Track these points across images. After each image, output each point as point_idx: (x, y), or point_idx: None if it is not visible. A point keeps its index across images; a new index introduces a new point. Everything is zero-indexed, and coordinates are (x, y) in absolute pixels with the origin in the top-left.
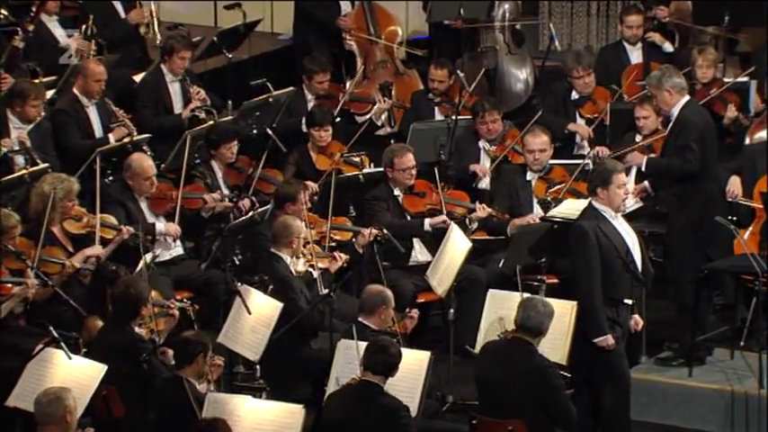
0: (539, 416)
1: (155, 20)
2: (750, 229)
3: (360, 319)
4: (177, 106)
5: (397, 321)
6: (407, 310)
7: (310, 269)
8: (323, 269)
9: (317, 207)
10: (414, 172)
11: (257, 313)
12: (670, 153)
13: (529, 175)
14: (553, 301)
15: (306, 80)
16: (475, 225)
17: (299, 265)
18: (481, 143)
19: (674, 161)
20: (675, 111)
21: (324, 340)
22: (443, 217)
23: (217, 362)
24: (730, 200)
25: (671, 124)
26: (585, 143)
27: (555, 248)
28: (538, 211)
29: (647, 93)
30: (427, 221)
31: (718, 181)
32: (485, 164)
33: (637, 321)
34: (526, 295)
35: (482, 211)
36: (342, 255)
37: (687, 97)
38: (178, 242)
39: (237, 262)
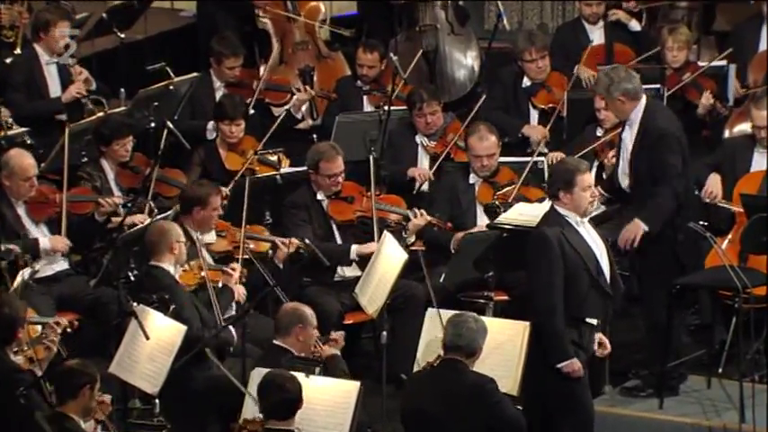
0: None
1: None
2: (729, 236)
3: (276, 341)
4: (54, 92)
5: (319, 345)
6: (330, 333)
7: (199, 286)
8: (221, 285)
9: (227, 213)
10: (341, 179)
11: (156, 338)
12: (642, 169)
13: (472, 178)
14: (503, 322)
15: (214, 65)
16: (412, 238)
17: (186, 282)
18: (418, 138)
19: (666, 201)
20: (636, 116)
21: (236, 368)
22: (374, 247)
23: (102, 400)
24: (707, 201)
25: (635, 131)
26: (542, 147)
27: (504, 260)
28: (482, 219)
29: None
30: (354, 250)
31: (690, 183)
32: (423, 162)
33: (603, 343)
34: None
35: (420, 218)
36: (235, 266)
37: (644, 99)
38: (62, 256)
39: (132, 278)
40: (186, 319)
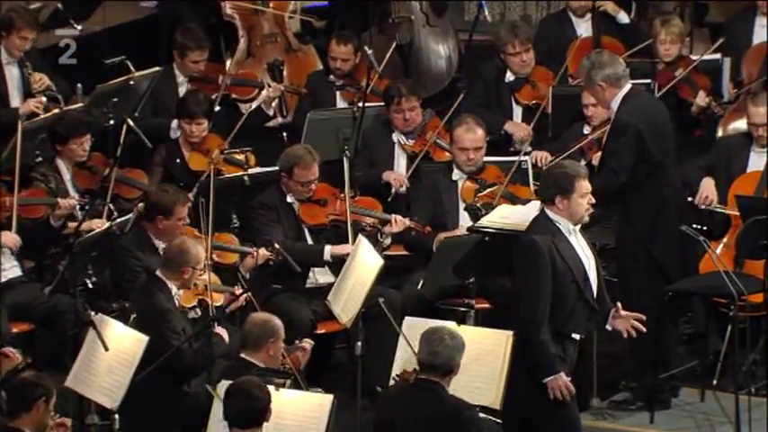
0: None
1: None
2: (724, 241)
3: (243, 355)
4: (14, 95)
5: (286, 355)
6: (298, 340)
7: (199, 304)
8: (217, 306)
9: (191, 217)
10: (314, 186)
11: (116, 349)
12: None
13: (455, 175)
14: (484, 331)
15: (177, 58)
16: (388, 240)
17: (186, 300)
18: (395, 136)
19: (596, 180)
20: (615, 104)
21: (200, 381)
22: (349, 248)
23: (63, 422)
24: (702, 207)
25: (610, 123)
26: (526, 146)
27: (486, 266)
28: (465, 219)
29: None
30: (328, 250)
31: (675, 184)
32: (400, 162)
33: (631, 318)
34: (433, 324)
35: (397, 224)
36: (241, 291)
37: (627, 87)
38: (15, 261)
39: (91, 285)
40: (178, 350)
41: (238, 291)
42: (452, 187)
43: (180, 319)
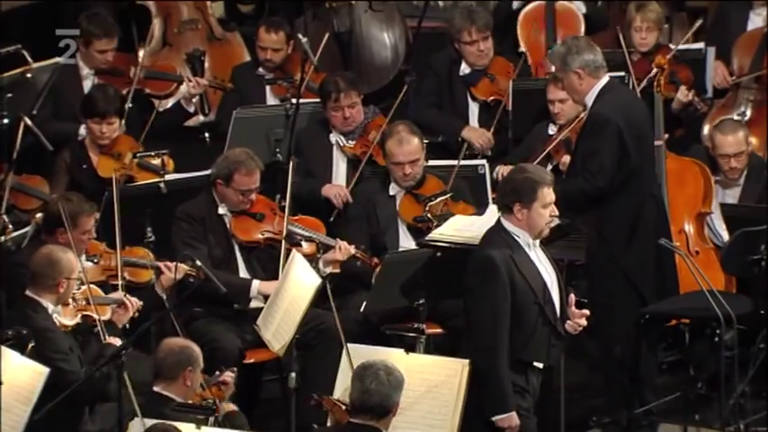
0: None
1: None
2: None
3: (156, 388)
4: None
5: (206, 387)
6: (218, 371)
7: (83, 320)
8: (105, 321)
9: (99, 231)
10: (254, 196)
11: (11, 383)
12: (578, 161)
13: (393, 189)
14: (437, 359)
15: (82, 47)
16: (329, 269)
17: (66, 317)
18: (333, 137)
19: (571, 184)
20: (590, 99)
21: (109, 418)
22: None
23: None
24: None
25: (584, 117)
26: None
27: (438, 286)
28: (407, 240)
29: None
30: (256, 286)
31: (653, 192)
32: (339, 166)
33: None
34: (376, 352)
35: (341, 251)
36: (133, 300)
37: (605, 78)
38: None
39: None
40: (69, 372)
41: (129, 300)
42: (390, 204)
43: (63, 338)
